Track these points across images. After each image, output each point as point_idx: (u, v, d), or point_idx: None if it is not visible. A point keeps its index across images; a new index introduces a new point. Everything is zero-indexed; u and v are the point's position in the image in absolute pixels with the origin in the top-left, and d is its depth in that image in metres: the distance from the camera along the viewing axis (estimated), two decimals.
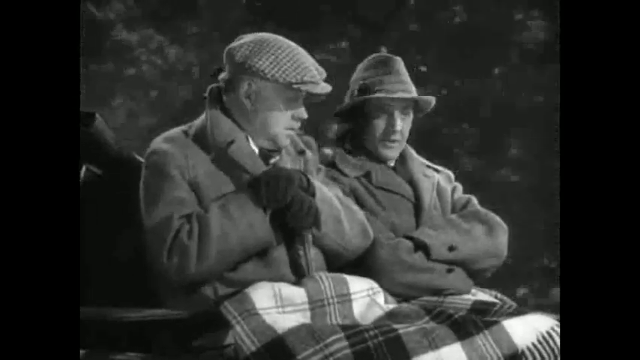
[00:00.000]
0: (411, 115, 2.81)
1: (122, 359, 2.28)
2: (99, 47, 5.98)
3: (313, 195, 2.42)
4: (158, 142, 2.47)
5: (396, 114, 2.76)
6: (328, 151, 2.77)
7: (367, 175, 2.77)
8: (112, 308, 2.29)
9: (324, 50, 5.91)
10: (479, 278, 2.75)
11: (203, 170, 2.42)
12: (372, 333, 2.19)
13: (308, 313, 2.30)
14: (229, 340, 2.26)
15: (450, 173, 2.94)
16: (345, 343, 2.16)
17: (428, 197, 2.78)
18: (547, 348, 2.27)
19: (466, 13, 6.07)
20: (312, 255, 2.45)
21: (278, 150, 2.53)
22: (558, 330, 2.30)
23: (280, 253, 2.42)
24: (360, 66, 2.85)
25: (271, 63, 2.43)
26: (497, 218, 2.79)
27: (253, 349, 2.17)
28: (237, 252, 2.35)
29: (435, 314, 2.35)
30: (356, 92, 2.80)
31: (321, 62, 2.54)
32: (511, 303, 2.62)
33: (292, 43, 2.50)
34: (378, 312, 2.36)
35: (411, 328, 2.22)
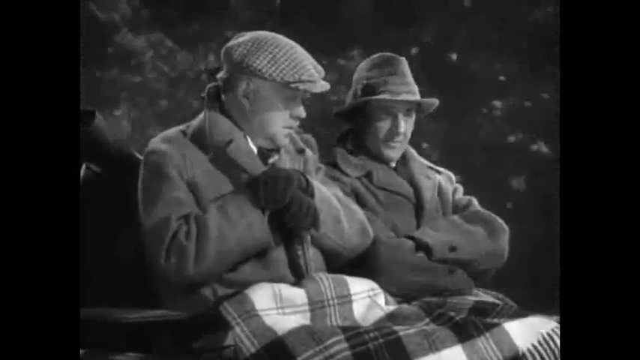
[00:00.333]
0: (414, 117, 2.83)
1: None
2: (102, 52, 5.80)
3: (312, 195, 2.43)
4: (156, 142, 2.48)
5: (400, 116, 2.78)
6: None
7: (368, 175, 2.79)
8: (112, 309, 2.30)
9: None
10: (480, 279, 2.76)
11: (201, 170, 2.43)
12: (372, 335, 2.19)
13: (308, 315, 2.31)
14: (229, 341, 2.27)
15: (451, 174, 2.96)
16: (345, 344, 2.16)
17: (429, 198, 2.80)
18: (548, 350, 2.27)
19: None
20: (311, 255, 2.46)
21: (277, 149, 2.54)
22: (559, 332, 2.31)
23: (279, 254, 2.43)
24: (363, 65, 2.87)
25: (269, 62, 2.45)
26: (499, 219, 2.81)
27: (253, 350, 2.17)
28: (236, 253, 2.36)
29: (435, 316, 2.36)
30: (359, 92, 2.81)
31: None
32: (512, 304, 2.63)
33: (291, 42, 2.51)
34: (378, 313, 2.37)
35: (412, 330, 2.23)
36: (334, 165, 2.80)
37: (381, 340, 2.19)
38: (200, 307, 2.33)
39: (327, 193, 2.50)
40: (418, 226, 2.75)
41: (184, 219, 2.36)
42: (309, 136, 2.68)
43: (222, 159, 2.46)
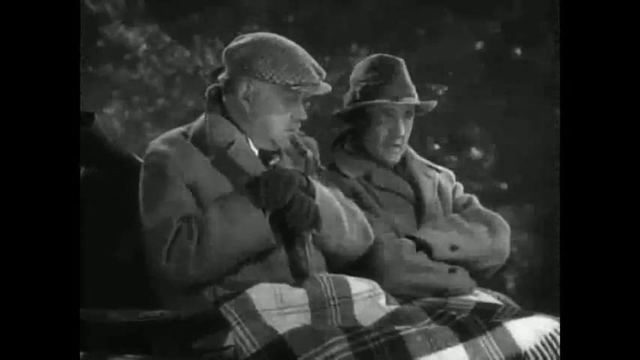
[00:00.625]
0: (412, 118, 2.85)
1: None
2: (94, 46, 5.51)
3: (313, 195, 2.44)
4: (157, 144, 2.49)
5: (400, 119, 2.80)
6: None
7: (368, 176, 2.81)
8: (111, 310, 2.31)
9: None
10: (481, 278, 2.78)
11: (202, 172, 2.45)
12: (373, 335, 2.20)
13: (309, 315, 2.31)
14: (229, 341, 2.27)
15: (451, 173, 2.97)
16: (346, 344, 2.17)
17: (429, 197, 2.82)
18: (550, 350, 2.28)
19: None
20: (312, 256, 2.48)
21: (278, 151, 2.56)
22: None
23: (280, 255, 2.44)
24: (361, 65, 2.88)
25: (269, 64, 2.47)
26: (500, 218, 2.82)
27: (254, 350, 2.18)
28: (237, 253, 2.37)
29: (436, 316, 2.37)
30: (358, 95, 2.83)
31: None
32: (515, 305, 2.64)
33: (292, 44, 2.52)
34: (379, 313, 2.38)
35: (413, 330, 2.23)
36: (333, 166, 2.82)
37: (382, 340, 2.19)
38: (200, 308, 2.34)
39: (328, 194, 2.52)
40: (419, 226, 2.77)
41: (185, 220, 2.38)
42: (310, 139, 2.68)
43: (223, 161, 2.47)
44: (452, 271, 2.69)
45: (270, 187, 2.38)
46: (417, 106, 2.85)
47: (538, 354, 2.28)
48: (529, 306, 2.53)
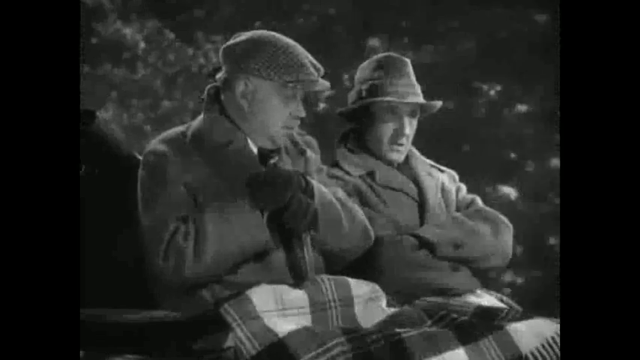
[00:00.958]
0: (417, 118, 2.88)
1: None
2: (88, 44, 5.15)
3: (312, 196, 2.46)
4: (155, 143, 2.51)
5: (405, 118, 2.82)
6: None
7: (371, 174, 2.83)
8: (111, 310, 2.33)
9: None
10: (484, 278, 2.79)
11: (200, 172, 2.46)
12: (374, 337, 2.20)
13: (309, 317, 2.32)
14: (229, 342, 2.27)
15: (454, 173, 3.00)
16: (346, 347, 2.17)
17: (432, 196, 2.84)
18: (551, 353, 2.28)
19: None
20: (311, 257, 2.49)
21: (277, 150, 2.57)
22: None
23: (279, 256, 2.45)
24: (366, 65, 2.91)
25: (266, 62, 2.48)
26: (503, 217, 2.84)
27: (254, 352, 2.18)
28: (235, 254, 2.38)
29: (437, 318, 2.38)
30: (364, 92, 2.85)
31: None
32: (517, 308, 2.65)
33: (289, 41, 2.54)
34: (380, 315, 2.39)
35: (414, 332, 2.23)
36: (336, 164, 2.84)
37: (383, 342, 2.19)
38: (199, 309, 2.34)
39: (327, 195, 2.53)
40: (422, 224, 2.80)
41: (183, 220, 2.39)
42: (310, 137, 2.70)
43: (221, 160, 2.49)
44: (454, 269, 2.70)
45: (268, 187, 2.40)
46: (422, 107, 2.88)
47: (539, 357, 2.28)
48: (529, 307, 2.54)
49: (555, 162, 5.70)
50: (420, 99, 2.84)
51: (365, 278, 2.52)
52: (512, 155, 5.97)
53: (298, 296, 2.35)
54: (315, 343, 2.18)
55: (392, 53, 2.93)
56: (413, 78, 2.87)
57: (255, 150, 2.55)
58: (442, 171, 2.97)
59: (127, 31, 5.35)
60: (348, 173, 2.83)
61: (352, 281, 2.45)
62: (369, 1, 5.74)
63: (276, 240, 2.44)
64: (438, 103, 2.90)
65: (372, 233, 2.63)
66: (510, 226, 2.84)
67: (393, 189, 2.82)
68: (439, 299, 2.61)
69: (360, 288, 2.44)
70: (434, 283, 2.67)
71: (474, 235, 2.75)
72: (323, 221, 2.47)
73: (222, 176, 2.48)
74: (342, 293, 2.40)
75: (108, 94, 5.22)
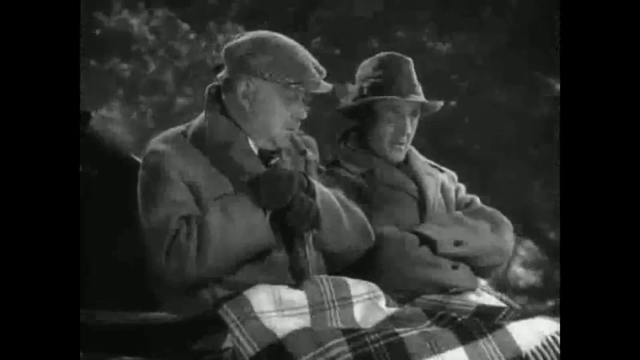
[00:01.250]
0: (418, 118, 2.89)
1: None
2: (92, 35, 4.79)
3: (313, 195, 2.47)
4: (156, 143, 2.51)
5: (407, 117, 2.84)
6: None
7: (371, 172, 2.84)
8: (111, 311, 2.34)
9: None
10: (484, 276, 2.81)
11: (201, 171, 2.47)
12: (373, 337, 2.21)
13: (308, 317, 2.33)
14: (228, 343, 2.28)
15: (454, 174, 3.01)
16: (345, 347, 2.18)
17: (432, 194, 2.85)
18: (551, 352, 2.29)
19: None
20: (313, 257, 2.50)
21: (278, 150, 2.58)
22: None
23: (280, 255, 2.46)
24: (368, 63, 2.92)
25: (269, 63, 2.49)
26: (503, 216, 2.86)
27: (252, 353, 2.20)
28: (237, 253, 2.39)
29: (437, 318, 2.39)
30: (366, 90, 2.87)
31: None
32: (517, 307, 2.65)
33: (292, 42, 2.55)
34: (379, 316, 2.40)
35: (414, 332, 2.25)
36: (336, 163, 2.86)
37: (382, 342, 2.21)
38: (199, 310, 2.35)
39: (328, 194, 2.54)
40: (422, 223, 2.80)
41: (185, 220, 2.39)
42: (310, 138, 2.71)
43: (222, 160, 2.49)
44: (455, 267, 2.71)
45: (270, 187, 2.41)
46: (423, 106, 2.89)
47: (539, 356, 2.29)
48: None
49: None
50: (422, 98, 2.86)
51: (366, 275, 2.53)
52: None
53: (297, 296, 2.36)
54: (314, 343, 2.19)
55: (394, 52, 2.94)
56: (414, 77, 2.89)
57: (256, 150, 2.56)
58: (442, 171, 2.98)
59: (134, 22, 4.97)
60: (348, 171, 2.84)
61: (351, 281, 2.46)
62: None
63: (278, 240, 2.45)
64: (440, 103, 2.92)
65: (373, 234, 2.64)
66: (510, 224, 2.85)
67: (394, 187, 2.84)
68: (439, 297, 2.63)
69: (358, 288, 2.45)
70: (434, 280, 2.68)
71: (474, 233, 2.77)
72: (324, 221, 2.48)
73: (224, 176, 2.48)
74: (340, 293, 2.41)
75: (111, 91, 4.76)
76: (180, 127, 2.59)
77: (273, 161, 2.57)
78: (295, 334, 2.22)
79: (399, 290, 2.58)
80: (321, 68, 2.56)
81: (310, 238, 2.51)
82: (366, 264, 2.62)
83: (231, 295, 2.34)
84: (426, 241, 2.72)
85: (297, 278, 2.45)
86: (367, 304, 2.43)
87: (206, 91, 2.63)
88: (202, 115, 2.59)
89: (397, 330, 2.26)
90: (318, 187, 2.52)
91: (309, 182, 2.49)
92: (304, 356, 2.17)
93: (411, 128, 2.85)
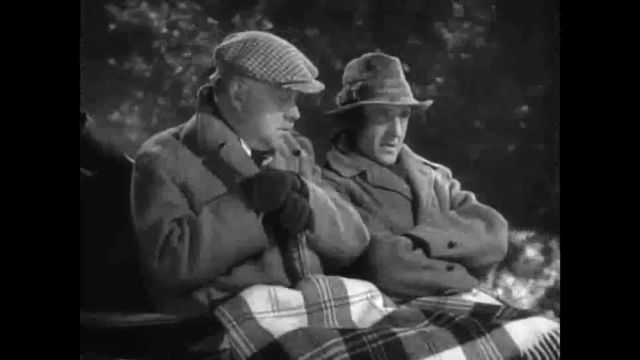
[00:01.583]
0: (407, 118, 2.90)
1: None
2: (103, 32, 4.44)
3: (307, 196, 2.47)
4: (148, 145, 2.52)
5: (397, 119, 2.85)
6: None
7: (362, 174, 2.84)
8: (110, 313, 2.34)
9: None
10: (480, 276, 2.81)
11: (194, 173, 2.47)
12: (370, 337, 2.23)
13: (305, 317, 2.34)
14: (225, 344, 2.29)
15: (448, 170, 3.02)
16: (343, 347, 2.20)
17: (425, 194, 2.85)
18: (549, 351, 2.31)
19: None
20: (307, 258, 2.50)
21: (271, 151, 2.58)
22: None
23: (274, 257, 2.47)
24: (355, 64, 2.92)
25: (260, 63, 2.50)
26: (497, 213, 2.85)
27: (249, 353, 2.21)
28: (230, 255, 2.40)
29: (434, 317, 2.40)
30: (355, 94, 2.87)
31: None
32: (513, 306, 2.66)
33: (284, 42, 2.56)
34: (376, 315, 2.41)
35: (411, 332, 2.26)
36: (327, 166, 2.86)
37: (380, 342, 2.22)
38: (195, 311, 2.37)
39: (322, 195, 2.54)
40: (415, 223, 2.80)
41: (177, 222, 2.40)
42: (304, 138, 2.72)
43: (215, 162, 2.50)
44: (449, 268, 2.72)
45: (263, 188, 2.41)
46: (411, 106, 2.90)
47: (537, 355, 2.31)
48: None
49: None
50: (411, 100, 2.86)
51: (360, 279, 2.53)
52: None
53: (293, 297, 2.37)
54: (312, 343, 2.20)
55: (381, 53, 2.94)
56: (403, 77, 2.89)
57: (248, 151, 2.56)
58: (435, 168, 2.99)
59: (154, 16, 4.53)
60: (339, 174, 2.84)
61: (348, 281, 2.47)
62: None
63: (271, 240, 2.45)
64: (429, 103, 2.92)
65: (368, 235, 2.64)
66: (505, 222, 2.85)
67: (386, 189, 2.84)
68: (435, 299, 2.64)
69: (355, 288, 2.46)
70: (430, 282, 2.68)
71: (468, 233, 2.77)
72: (318, 222, 2.48)
73: (217, 177, 2.49)
74: (337, 293, 2.42)
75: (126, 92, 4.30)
76: (173, 129, 2.59)
77: (265, 162, 2.57)
78: (292, 334, 2.23)
79: (393, 294, 2.59)
80: (313, 68, 2.56)
81: (304, 240, 2.51)
82: (360, 267, 2.62)
83: (227, 296, 2.35)
84: (420, 243, 2.72)
85: (292, 279, 2.46)
86: (364, 304, 2.44)
87: (198, 92, 2.63)
88: (194, 117, 2.59)
89: (395, 330, 2.28)
90: (312, 187, 2.52)
91: (302, 183, 2.49)
92: (301, 356, 2.18)
93: (401, 129, 2.86)
